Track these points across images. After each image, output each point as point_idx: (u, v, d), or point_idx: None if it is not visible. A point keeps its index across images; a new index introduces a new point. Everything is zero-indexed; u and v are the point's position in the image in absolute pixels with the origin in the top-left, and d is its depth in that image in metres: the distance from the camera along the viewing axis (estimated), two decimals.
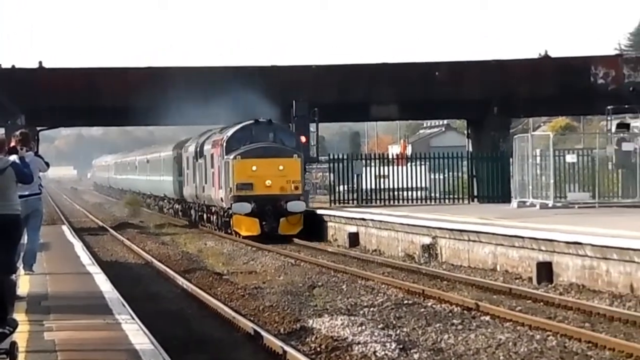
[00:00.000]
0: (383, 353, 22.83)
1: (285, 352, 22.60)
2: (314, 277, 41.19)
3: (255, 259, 52.89)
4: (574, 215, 47.44)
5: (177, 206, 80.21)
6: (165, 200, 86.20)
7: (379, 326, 27.85)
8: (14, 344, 13.34)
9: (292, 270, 46.07)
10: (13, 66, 70.94)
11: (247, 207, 46.26)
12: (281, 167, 47.58)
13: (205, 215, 64.59)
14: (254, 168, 47.35)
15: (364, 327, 27.40)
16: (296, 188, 47.59)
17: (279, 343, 24.19)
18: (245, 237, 48.65)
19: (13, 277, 20.51)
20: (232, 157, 48.13)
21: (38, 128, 65.76)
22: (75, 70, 74.18)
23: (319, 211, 55.87)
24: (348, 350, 23.84)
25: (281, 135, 51.17)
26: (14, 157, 21.44)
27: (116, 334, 20.17)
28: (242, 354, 25.51)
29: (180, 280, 41.48)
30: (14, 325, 15.13)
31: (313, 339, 25.81)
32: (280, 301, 34.52)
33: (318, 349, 24.16)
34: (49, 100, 69.71)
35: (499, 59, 74.61)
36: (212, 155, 58.76)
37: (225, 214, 53.15)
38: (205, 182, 61.17)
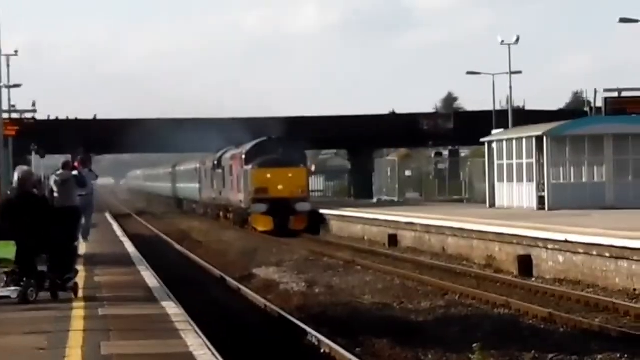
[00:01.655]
0: (297, 288, 24.50)
1: (239, 288, 24.43)
2: (257, 244, 38.93)
3: (223, 234, 49.88)
4: (410, 206, 47.49)
5: (194, 206, 67.01)
6: (185, 201, 72.01)
7: (295, 273, 28.86)
8: (76, 284, 13.54)
9: (245, 240, 43.02)
10: (76, 117, 71.44)
11: (263, 207, 36.89)
12: (290, 175, 38.05)
13: (221, 213, 52.41)
14: (268, 176, 37.77)
15: (286, 273, 28.81)
16: (302, 192, 38.19)
17: (236, 283, 25.85)
18: (262, 232, 38.79)
19: (76, 243, 20.15)
20: (250, 166, 39.07)
21: (92, 154, 65.55)
22: (114, 120, 70.44)
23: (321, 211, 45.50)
24: (277, 287, 25.42)
25: (290, 149, 40.37)
26: (74, 172, 22.31)
27: (137, 277, 20.58)
28: (214, 289, 25.90)
29: (176, 245, 40.15)
30: (77, 272, 15.15)
31: (256, 281, 27.59)
32: (237, 258, 34.30)
33: (259, 287, 25.37)
34: (99, 137, 67.56)
35: (366, 114, 75.33)
36: (230, 166, 47.61)
37: (244, 213, 41.91)
38: (223, 187, 50.02)
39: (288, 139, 43.15)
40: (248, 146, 42.79)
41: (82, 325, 11.51)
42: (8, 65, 51.03)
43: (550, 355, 13.76)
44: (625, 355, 14.23)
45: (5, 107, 39.39)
